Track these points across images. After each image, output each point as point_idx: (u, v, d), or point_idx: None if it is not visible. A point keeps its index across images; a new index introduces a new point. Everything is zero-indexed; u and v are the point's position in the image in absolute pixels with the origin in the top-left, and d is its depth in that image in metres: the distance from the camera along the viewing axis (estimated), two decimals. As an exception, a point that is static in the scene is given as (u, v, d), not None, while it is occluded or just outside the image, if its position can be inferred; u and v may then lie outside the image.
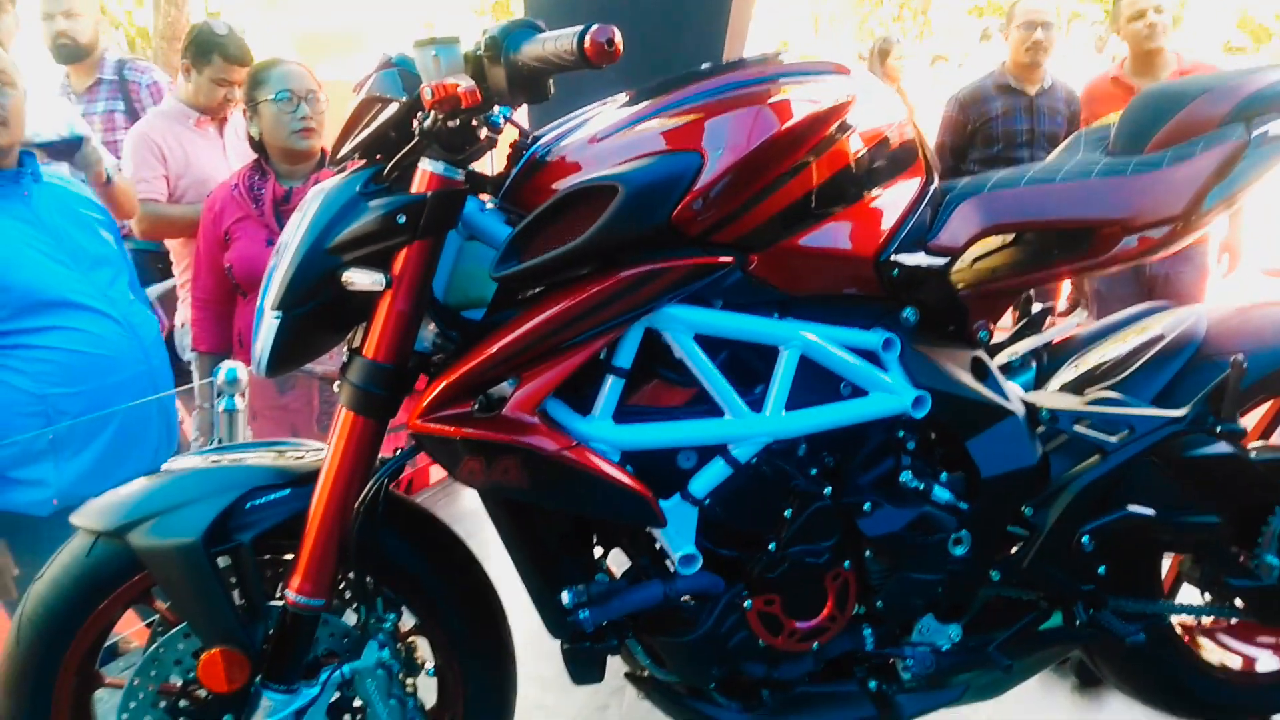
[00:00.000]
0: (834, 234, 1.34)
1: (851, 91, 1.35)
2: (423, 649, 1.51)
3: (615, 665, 1.53)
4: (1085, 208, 1.46)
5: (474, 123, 1.25)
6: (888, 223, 1.38)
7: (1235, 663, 1.81)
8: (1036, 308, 1.78)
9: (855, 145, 1.35)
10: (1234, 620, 1.80)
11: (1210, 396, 1.49)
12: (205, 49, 3.11)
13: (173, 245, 3.24)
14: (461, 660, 1.49)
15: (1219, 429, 1.50)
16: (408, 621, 1.49)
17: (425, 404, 1.28)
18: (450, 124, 1.20)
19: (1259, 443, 1.79)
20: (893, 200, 1.39)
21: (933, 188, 1.45)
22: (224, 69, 3.11)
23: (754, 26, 3.13)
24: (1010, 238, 1.54)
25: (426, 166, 1.26)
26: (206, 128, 3.19)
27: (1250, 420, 1.72)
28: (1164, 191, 1.45)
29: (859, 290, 1.39)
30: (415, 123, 1.26)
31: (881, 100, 1.40)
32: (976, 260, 1.53)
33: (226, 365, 2.14)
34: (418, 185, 1.26)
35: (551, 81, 1.21)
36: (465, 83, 1.15)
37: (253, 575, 1.35)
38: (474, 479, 1.29)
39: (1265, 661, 1.82)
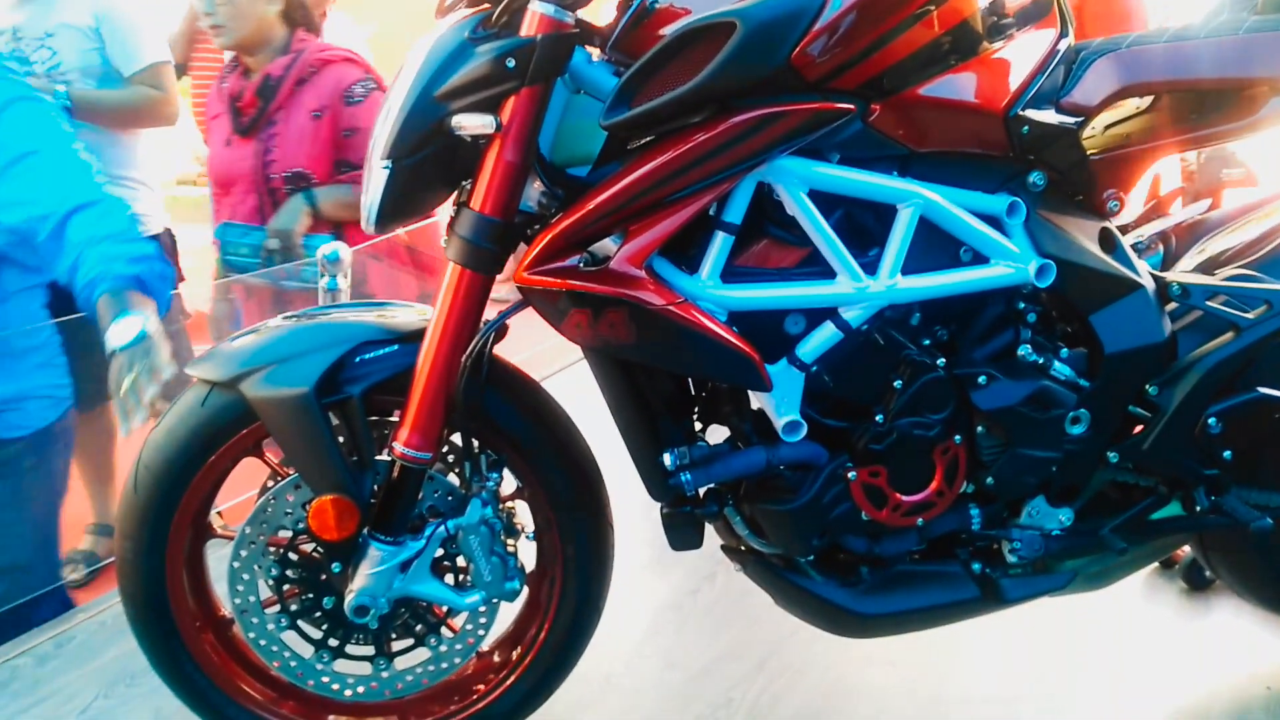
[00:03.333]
0: (961, 85, 1.27)
1: None
2: (523, 517, 1.52)
3: (707, 552, 1.52)
4: (1230, 66, 1.36)
5: None
6: (1018, 77, 1.31)
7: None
8: (1165, 190, 1.68)
9: None
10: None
11: (1359, 272, 1.39)
12: (304, -59, 3.10)
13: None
14: (561, 524, 1.49)
15: (1366, 307, 1.40)
16: (508, 487, 1.50)
17: (531, 257, 1.26)
18: None
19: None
20: (1024, 53, 1.32)
21: (1066, 43, 1.36)
22: (322, -38, 3.10)
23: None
24: (1146, 102, 1.44)
25: (536, 8, 1.22)
26: (305, 24, 3.19)
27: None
28: (1322, 46, 1.34)
29: (984, 149, 1.32)
30: None
31: (1016, -56, 1.32)
32: (1109, 126, 1.44)
33: (328, 246, 2.16)
34: (527, 28, 1.23)
35: None
36: None
37: (362, 428, 1.36)
38: (579, 334, 1.28)
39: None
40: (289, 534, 1.43)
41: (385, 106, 1.31)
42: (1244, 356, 1.41)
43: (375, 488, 1.38)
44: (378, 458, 1.39)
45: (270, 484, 1.45)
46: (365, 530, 1.37)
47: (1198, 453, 1.44)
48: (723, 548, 1.55)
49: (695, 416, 1.48)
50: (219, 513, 1.50)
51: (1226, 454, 1.44)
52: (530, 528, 1.52)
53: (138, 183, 2.83)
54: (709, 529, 1.50)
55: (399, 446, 1.33)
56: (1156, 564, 2.04)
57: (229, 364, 1.36)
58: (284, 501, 1.41)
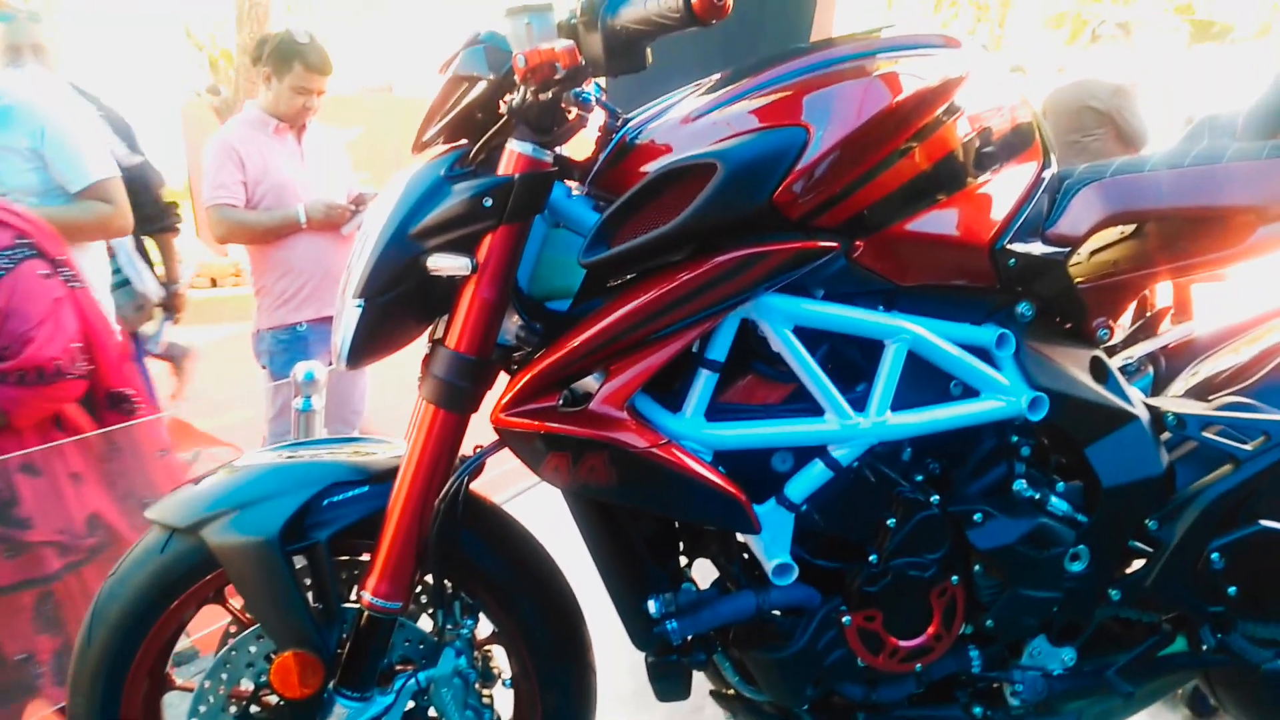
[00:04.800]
0: (946, 220, 1.25)
1: (965, 67, 1.26)
2: (499, 659, 1.45)
3: (694, 681, 1.45)
4: (1216, 194, 1.35)
5: (563, 102, 1.19)
6: (1002, 209, 1.29)
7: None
8: (1152, 309, 1.66)
9: (968, 125, 1.26)
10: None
11: (1357, 402, 1.37)
12: (286, 57, 3.12)
13: (249, 251, 3.26)
14: (540, 671, 1.42)
15: (1365, 437, 1.37)
16: (484, 630, 1.43)
17: (509, 397, 1.22)
18: (541, 97, 1.15)
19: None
20: (1008, 185, 1.30)
21: (1049, 173, 1.35)
22: (305, 77, 3.12)
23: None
24: (1132, 228, 1.43)
25: (514, 147, 1.20)
26: (285, 135, 3.20)
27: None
28: (1306, 176, 1.33)
29: (971, 282, 1.30)
30: (503, 102, 1.21)
31: (996, 78, 1.31)
32: (1095, 253, 1.43)
33: (303, 366, 2.11)
34: (504, 167, 1.21)
35: (649, 50, 1.15)
36: (562, 44, 1.09)
37: (329, 575, 1.30)
38: (558, 477, 1.22)
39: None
40: (251, 686, 1.35)
41: (359, 242, 1.28)
42: (1244, 489, 1.37)
43: (343, 637, 1.30)
44: (345, 604, 1.32)
45: (232, 631, 1.37)
46: (331, 685, 1.29)
47: (1202, 589, 1.39)
48: (712, 693, 1.47)
49: (681, 551, 1.42)
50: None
51: (1231, 590, 1.39)
52: (507, 674, 1.44)
53: None
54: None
55: (368, 596, 1.27)
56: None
57: (190, 509, 1.30)
58: (246, 653, 1.34)
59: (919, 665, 1.34)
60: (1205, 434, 1.40)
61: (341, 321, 1.26)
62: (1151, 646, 1.43)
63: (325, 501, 1.29)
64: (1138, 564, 1.41)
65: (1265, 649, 1.42)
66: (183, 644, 1.59)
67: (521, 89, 1.17)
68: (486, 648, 1.44)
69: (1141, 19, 3.42)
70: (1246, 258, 1.40)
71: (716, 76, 1.33)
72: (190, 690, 1.36)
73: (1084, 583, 1.36)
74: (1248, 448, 1.38)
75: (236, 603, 1.39)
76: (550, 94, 1.16)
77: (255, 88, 3.55)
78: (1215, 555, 1.38)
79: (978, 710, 1.40)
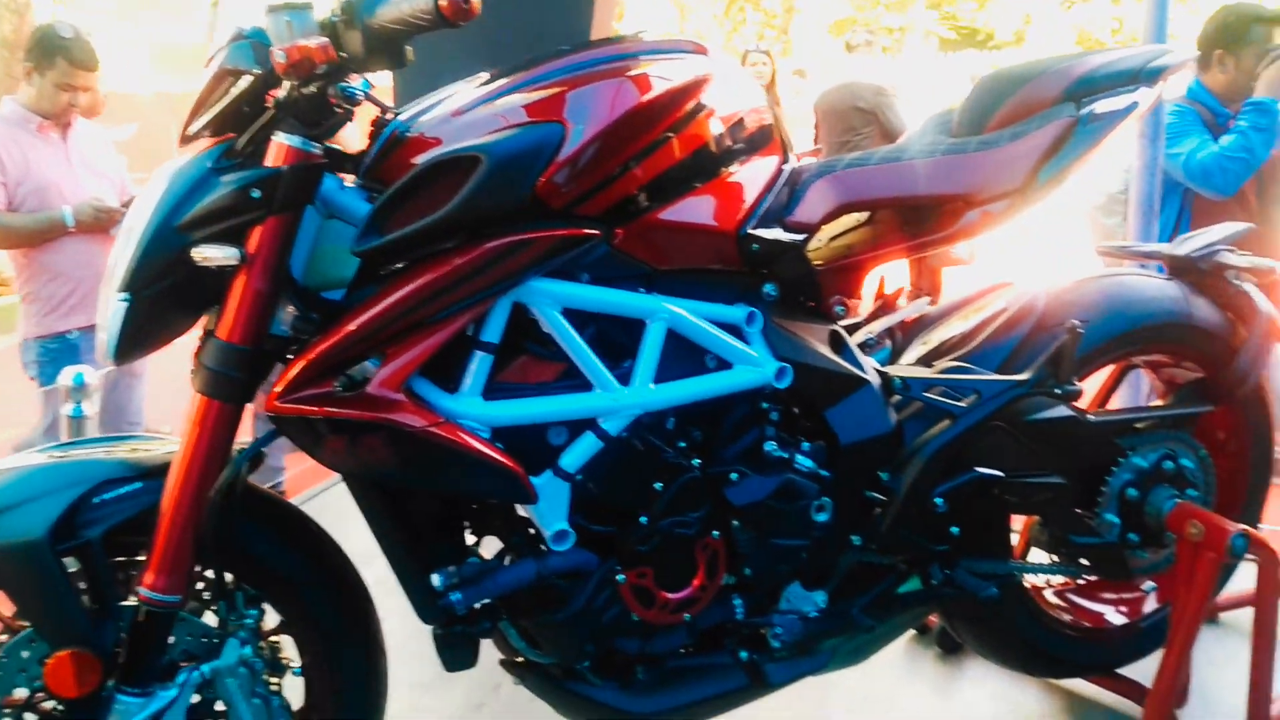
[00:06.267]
0: (695, 209, 1.38)
1: (709, 69, 1.39)
2: (289, 649, 1.46)
3: (491, 664, 1.51)
4: (930, 184, 1.54)
5: (330, 95, 1.23)
6: (747, 199, 1.42)
7: (1086, 620, 1.92)
8: (890, 289, 1.85)
9: (713, 122, 1.39)
10: (1081, 579, 1.91)
11: (1050, 360, 1.58)
12: (49, 52, 2.98)
13: (12, 256, 3.08)
14: (329, 658, 1.45)
15: (1059, 391, 1.59)
16: (272, 620, 1.45)
17: (284, 384, 1.24)
18: (305, 91, 1.19)
19: (1097, 409, 1.91)
20: (751, 177, 1.44)
21: (789, 167, 1.50)
22: (69, 73, 2.98)
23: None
24: (863, 216, 1.60)
25: (281, 140, 1.23)
26: (49, 133, 3.05)
27: (1090, 388, 1.83)
28: (1002, 167, 1.53)
29: (722, 265, 1.43)
30: (270, 97, 1.24)
31: (738, 81, 1.45)
32: (833, 238, 1.59)
33: (72, 370, 2.03)
34: (272, 159, 1.24)
35: (409, 48, 1.21)
36: (317, 40, 1.14)
37: (103, 573, 1.29)
38: (337, 461, 1.26)
39: (1113, 616, 1.94)
40: (25, 693, 1.32)
41: (123, 236, 1.27)
42: (960, 441, 1.57)
43: (121, 635, 1.30)
44: (124, 603, 1.31)
45: (1, 639, 1.33)
46: (110, 683, 1.28)
47: (928, 531, 1.58)
48: (501, 662, 1.54)
49: (468, 529, 1.48)
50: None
51: (954, 530, 1.59)
52: (297, 662, 1.46)
53: None
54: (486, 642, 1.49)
55: (144, 591, 1.27)
56: (914, 632, 2.19)
57: (-52, 513, 1.26)
58: (17, 658, 1.31)
59: (688, 615, 1.46)
60: (928, 394, 1.58)
61: (106, 317, 1.26)
62: (890, 585, 1.61)
63: (96, 499, 1.28)
64: (875, 512, 1.58)
65: (984, 580, 1.63)
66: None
67: (286, 84, 1.20)
68: (274, 638, 1.45)
69: (888, 28, 3.75)
70: (960, 239, 1.60)
71: (487, 74, 1.40)
72: (-43, 702, 1.31)
73: (828, 531, 1.52)
74: (962, 404, 1.58)
75: (5, 609, 1.35)
76: (314, 88, 1.20)
77: (14, 78, 3.35)
78: (939, 500, 1.56)
79: (744, 654, 1.54)
